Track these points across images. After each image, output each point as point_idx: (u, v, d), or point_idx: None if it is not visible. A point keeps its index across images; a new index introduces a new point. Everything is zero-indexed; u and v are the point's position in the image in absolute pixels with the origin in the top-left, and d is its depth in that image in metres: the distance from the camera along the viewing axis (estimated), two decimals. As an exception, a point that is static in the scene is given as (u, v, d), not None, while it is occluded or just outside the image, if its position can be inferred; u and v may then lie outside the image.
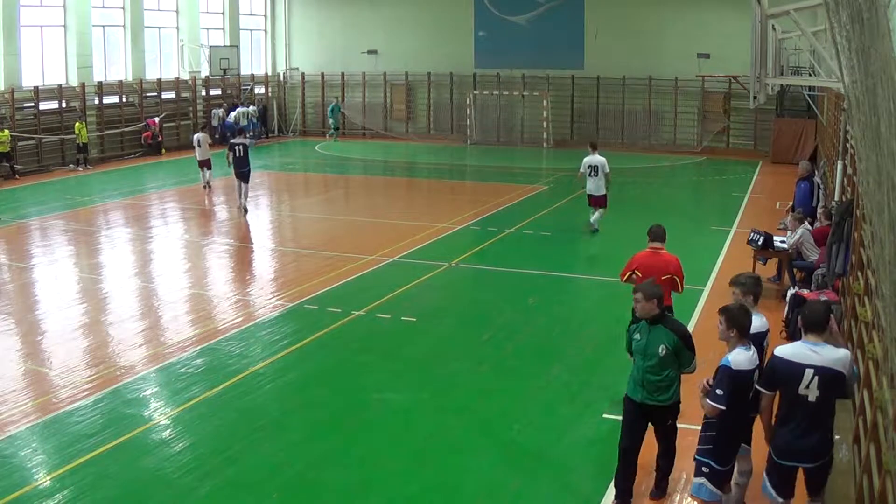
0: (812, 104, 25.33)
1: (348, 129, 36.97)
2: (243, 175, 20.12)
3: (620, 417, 7.17)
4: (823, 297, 9.91)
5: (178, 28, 33.17)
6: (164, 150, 30.78)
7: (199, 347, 11.03)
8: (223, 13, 35.23)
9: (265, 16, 37.98)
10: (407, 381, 10.06)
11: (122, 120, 30.15)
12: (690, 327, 11.21)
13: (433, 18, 34.87)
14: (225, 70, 33.49)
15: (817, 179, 15.94)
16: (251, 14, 37.22)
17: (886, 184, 3.77)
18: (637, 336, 6.93)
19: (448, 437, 8.63)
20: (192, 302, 13.40)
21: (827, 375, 5.77)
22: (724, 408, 5.94)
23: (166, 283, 14.47)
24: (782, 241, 13.33)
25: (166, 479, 7.66)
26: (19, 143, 26.10)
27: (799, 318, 6.16)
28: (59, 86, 27.81)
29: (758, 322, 6.64)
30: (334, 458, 8.17)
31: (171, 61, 33.27)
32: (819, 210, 14.12)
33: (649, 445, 7.15)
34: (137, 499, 7.38)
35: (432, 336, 11.76)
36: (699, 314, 12.13)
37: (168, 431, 8.67)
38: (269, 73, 38.11)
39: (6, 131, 25.17)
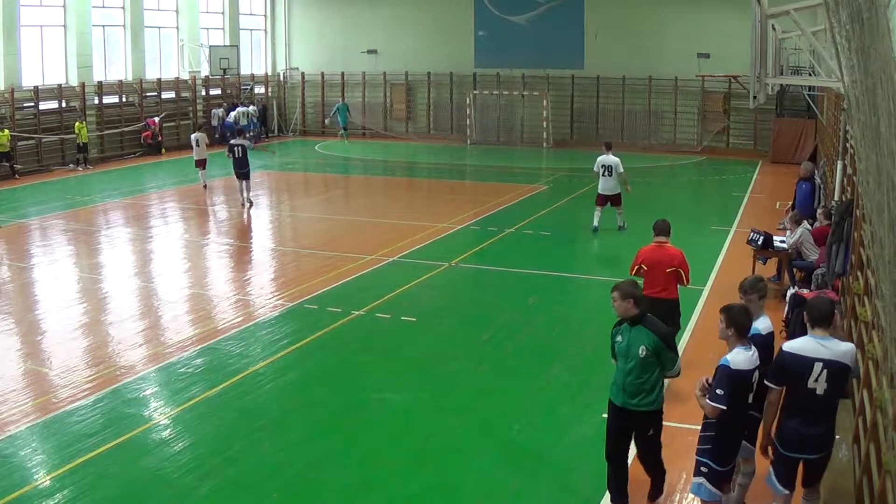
0: (812, 104, 25.32)
1: (348, 129, 36.89)
2: (243, 175, 20.64)
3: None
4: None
5: (177, 28, 33.16)
6: (163, 150, 30.77)
7: (199, 347, 11.03)
8: (223, 13, 35.22)
9: (265, 15, 37.98)
10: (407, 381, 10.06)
11: (122, 120, 30.14)
12: (690, 327, 11.25)
13: (433, 18, 34.86)
14: (225, 70, 33.48)
15: (817, 179, 15.94)
16: (251, 14, 37.22)
17: (886, 184, 3.77)
18: (619, 338, 6.82)
19: (448, 437, 8.63)
20: (192, 302, 13.40)
21: (835, 368, 5.90)
22: (724, 408, 5.93)
23: (166, 282, 14.47)
24: (782, 241, 13.33)
25: (166, 479, 7.66)
26: (19, 143, 26.09)
27: (805, 313, 6.24)
28: (59, 85, 27.80)
29: (765, 323, 6.67)
30: (334, 458, 8.17)
31: (170, 61, 33.26)
32: (819, 210, 14.12)
33: (642, 468, 7.15)
34: (137, 499, 7.38)
35: (432, 336, 11.77)
36: (699, 314, 12.13)
37: (168, 431, 8.67)
38: (269, 73, 38.11)
39: (6, 131, 25.16)
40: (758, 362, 6.14)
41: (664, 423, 7.08)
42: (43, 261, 16.13)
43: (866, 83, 3.82)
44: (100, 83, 29.22)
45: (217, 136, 32.61)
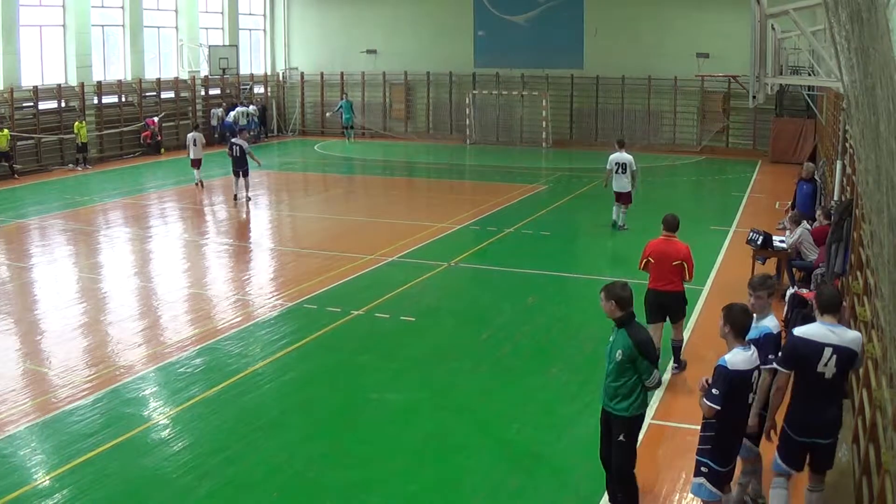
0: (811, 104, 25.28)
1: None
2: (242, 173, 21.25)
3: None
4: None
5: (177, 28, 33.14)
6: (163, 150, 30.75)
7: (198, 347, 11.02)
8: (222, 13, 35.21)
9: (264, 15, 37.97)
10: (406, 380, 10.05)
11: (122, 119, 30.13)
12: (689, 326, 11.24)
13: (432, 18, 34.86)
14: (224, 70, 33.47)
15: (818, 180, 15.93)
16: (250, 14, 37.20)
17: (885, 183, 3.77)
18: (610, 338, 6.84)
19: (447, 436, 8.62)
20: (192, 301, 13.40)
21: (844, 354, 6.17)
22: (719, 407, 5.93)
23: (165, 282, 14.47)
24: (781, 241, 13.33)
25: (166, 479, 7.66)
26: (18, 143, 26.08)
27: (815, 300, 6.55)
28: (59, 85, 27.79)
29: (774, 322, 6.78)
30: (334, 457, 8.17)
31: (170, 61, 33.24)
32: (818, 210, 14.12)
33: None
34: (137, 498, 7.38)
35: (431, 336, 11.76)
36: (698, 314, 12.14)
37: (167, 431, 8.66)
38: (269, 73, 38.09)
39: (5, 131, 25.14)
40: (758, 362, 6.15)
41: (670, 422, 7.05)
42: (42, 261, 16.13)
43: (866, 83, 3.82)
44: (99, 83, 29.21)
45: (217, 135, 32.64)
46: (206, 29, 34.17)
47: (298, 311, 12.52)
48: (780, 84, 21.24)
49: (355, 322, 12.05)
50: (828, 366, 6.14)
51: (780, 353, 6.39)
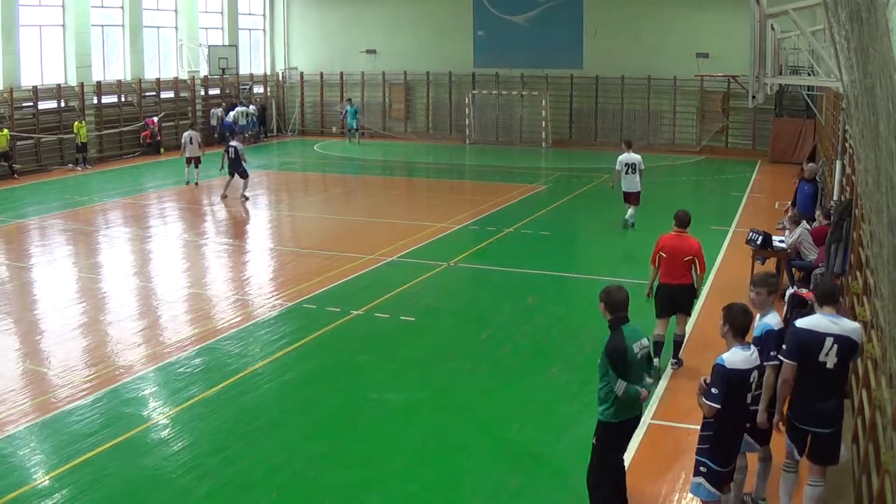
0: (811, 104, 25.28)
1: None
2: (239, 174, 21.64)
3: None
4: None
5: (176, 28, 33.12)
6: (162, 150, 30.72)
7: (197, 347, 11.02)
8: (222, 13, 35.20)
9: (264, 15, 37.96)
10: (406, 380, 10.05)
11: (121, 119, 30.12)
12: (689, 326, 11.22)
13: (432, 18, 34.85)
14: (224, 70, 33.46)
15: (819, 181, 15.93)
16: (250, 14, 37.19)
17: (885, 183, 3.77)
18: None
19: (447, 436, 8.62)
20: (191, 301, 13.40)
21: (845, 344, 6.32)
22: (719, 406, 5.94)
23: (165, 282, 14.46)
24: (781, 241, 13.33)
25: (165, 479, 7.65)
26: (18, 143, 26.06)
27: (814, 293, 6.77)
28: (58, 85, 27.77)
29: (776, 319, 6.86)
30: (333, 457, 8.17)
31: (169, 61, 33.23)
32: (818, 210, 14.12)
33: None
34: (136, 498, 7.38)
35: (431, 336, 11.76)
36: (698, 314, 12.13)
37: (167, 431, 8.66)
38: (268, 73, 38.08)
39: (5, 131, 25.13)
40: (757, 362, 6.15)
41: (669, 422, 7.05)
42: (42, 260, 16.13)
43: (865, 83, 3.82)
44: (99, 83, 29.20)
45: (216, 136, 32.64)
46: (206, 29, 34.16)
47: (298, 311, 12.52)
48: (780, 84, 21.24)
49: (355, 322, 12.05)
50: (829, 355, 6.27)
51: (783, 347, 6.46)
